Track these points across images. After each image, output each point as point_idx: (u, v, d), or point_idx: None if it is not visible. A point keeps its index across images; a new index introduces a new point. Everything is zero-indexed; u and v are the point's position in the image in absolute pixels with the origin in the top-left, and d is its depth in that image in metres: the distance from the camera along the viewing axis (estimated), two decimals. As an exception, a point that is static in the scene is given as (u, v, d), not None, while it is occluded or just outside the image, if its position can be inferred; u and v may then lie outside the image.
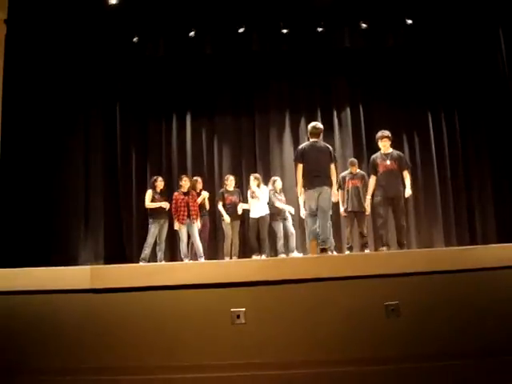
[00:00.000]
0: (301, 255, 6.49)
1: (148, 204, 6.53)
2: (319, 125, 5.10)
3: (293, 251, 6.70)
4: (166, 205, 6.52)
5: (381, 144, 5.49)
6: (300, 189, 5.02)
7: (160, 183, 6.66)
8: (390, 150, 5.48)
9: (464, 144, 7.70)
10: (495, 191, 7.33)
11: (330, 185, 4.85)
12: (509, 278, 2.85)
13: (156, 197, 6.57)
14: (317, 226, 4.81)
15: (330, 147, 5.04)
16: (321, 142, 5.02)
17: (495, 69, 7.11)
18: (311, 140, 5.00)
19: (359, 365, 2.68)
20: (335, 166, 5.05)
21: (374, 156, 5.55)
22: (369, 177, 5.73)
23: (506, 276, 2.85)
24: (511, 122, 6.86)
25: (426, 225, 7.58)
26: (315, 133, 5.00)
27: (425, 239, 7.50)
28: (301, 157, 4.87)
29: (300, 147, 5.02)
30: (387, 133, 5.49)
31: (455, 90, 7.73)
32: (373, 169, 5.45)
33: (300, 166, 4.86)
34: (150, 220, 6.52)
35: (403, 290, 2.81)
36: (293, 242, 6.76)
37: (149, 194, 6.57)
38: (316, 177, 4.78)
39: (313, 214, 4.86)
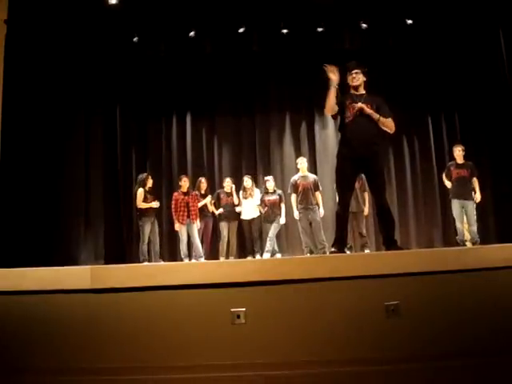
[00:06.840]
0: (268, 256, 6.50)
1: (141, 204, 6.52)
2: None
3: (267, 252, 6.65)
4: (156, 204, 6.57)
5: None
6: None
7: (150, 181, 6.69)
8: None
9: (464, 145, 7.69)
10: (495, 191, 7.33)
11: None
12: (509, 278, 2.85)
13: (147, 196, 6.58)
14: None
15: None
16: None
17: (496, 70, 7.10)
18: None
19: (359, 365, 2.68)
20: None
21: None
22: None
23: (506, 276, 2.85)
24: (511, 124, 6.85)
25: (426, 225, 7.59)
26: None
27: (425, 239, 7.50)
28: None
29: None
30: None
31: (455, 92, 7.74)
32: None
33: None
34: (142, 219, 6.51)
35: (403, 290, 2.82)
36: (268, 244, 6.68)
37: (140, 193, 6.52)
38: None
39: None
